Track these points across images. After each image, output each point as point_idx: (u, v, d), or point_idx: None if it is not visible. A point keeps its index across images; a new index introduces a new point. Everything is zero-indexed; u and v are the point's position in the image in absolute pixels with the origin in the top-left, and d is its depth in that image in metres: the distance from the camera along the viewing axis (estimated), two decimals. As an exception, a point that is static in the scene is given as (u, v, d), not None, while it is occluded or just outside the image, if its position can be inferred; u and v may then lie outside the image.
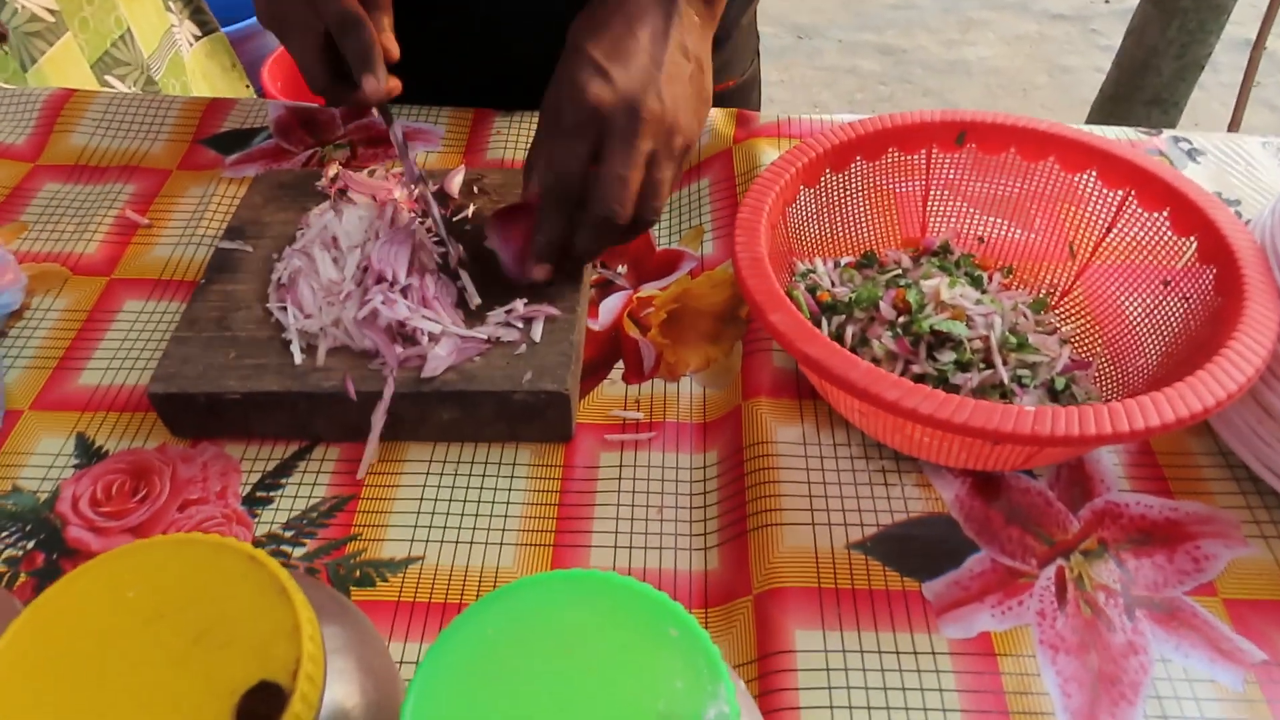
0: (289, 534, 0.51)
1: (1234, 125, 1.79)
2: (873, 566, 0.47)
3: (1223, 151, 0.71)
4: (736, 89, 0.92)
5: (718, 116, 0.75)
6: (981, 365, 0.51)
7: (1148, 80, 1.92)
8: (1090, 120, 2.14)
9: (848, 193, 0.58)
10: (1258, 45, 1.69)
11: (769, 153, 0.69)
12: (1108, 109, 2.05)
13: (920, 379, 0.51)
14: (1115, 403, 0.39)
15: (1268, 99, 2.67)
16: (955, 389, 0.50)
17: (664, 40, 0.54)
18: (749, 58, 0.94)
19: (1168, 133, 0.73)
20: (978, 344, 0.51)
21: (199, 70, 1.31)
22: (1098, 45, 2.94)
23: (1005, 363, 0.51)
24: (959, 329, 0.51)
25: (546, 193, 0.53)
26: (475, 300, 0.55)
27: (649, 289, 0.64)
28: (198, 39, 1.35)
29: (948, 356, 0.50)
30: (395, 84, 0.55)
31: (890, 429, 0.48)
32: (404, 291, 0.54)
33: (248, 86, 1.37)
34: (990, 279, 0.57)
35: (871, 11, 3.10)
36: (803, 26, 3.02)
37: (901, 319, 0.52)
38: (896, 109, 2.65)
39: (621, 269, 0.65)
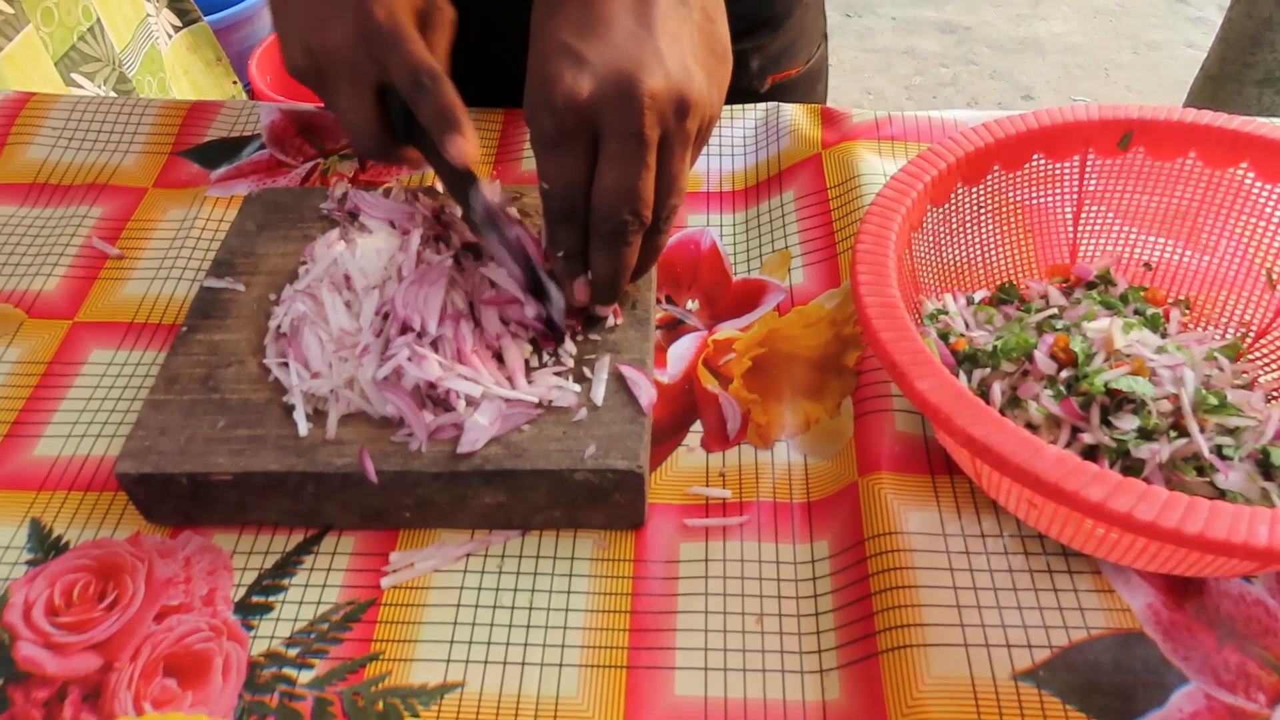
0: (293, 652, 0.44)
1: (1363, 108, 1.71)
2: (1049, 705, 0.40)
3: None
4: (801, 77, 0.86)
5: (799, 115, 0.69)
6: (1172, 433, 0.44)
7: (1260, 56, 1.84)
8: (1190, 104, 2.06)
9: (982, 211, 0.51)
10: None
11: (869, 159, 0.63)
12: (1210, 91, 1.96)
13: (1091, 451, 0.44)
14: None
15: (1387, 76, 2.57)
16: (1138, 464, 0.43)
17: None
18: (816, 40, 0.87)
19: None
20: (1165, 404, 0.44)
21: (179, 65, 1.26)
22: (1187, 18, 2.86)
23: (1202, 428, 0.44)
24: (1143, 387, 0.44)
25: (549, 215, 0.48)
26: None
27: (727, 329, 0.57)
28: (177, 30, 1.30)
29: (1129, 423, 0.43)
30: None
31: (1060, 518, 0.41)
32: (434, 344, 0.47)
33: (235, 83, 1.32)
34: (1167, 318, 0.50)
35: (928, -16, 3.03)
36: (851, 3, 2.95)
37: (1064, 373, 0.46)
38: (960, 94, 2.58)
39: (692, 304, 0.59)
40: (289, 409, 0.48)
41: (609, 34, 0.45)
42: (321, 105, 0.79)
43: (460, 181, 0.51)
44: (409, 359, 0.46)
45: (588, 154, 0.45)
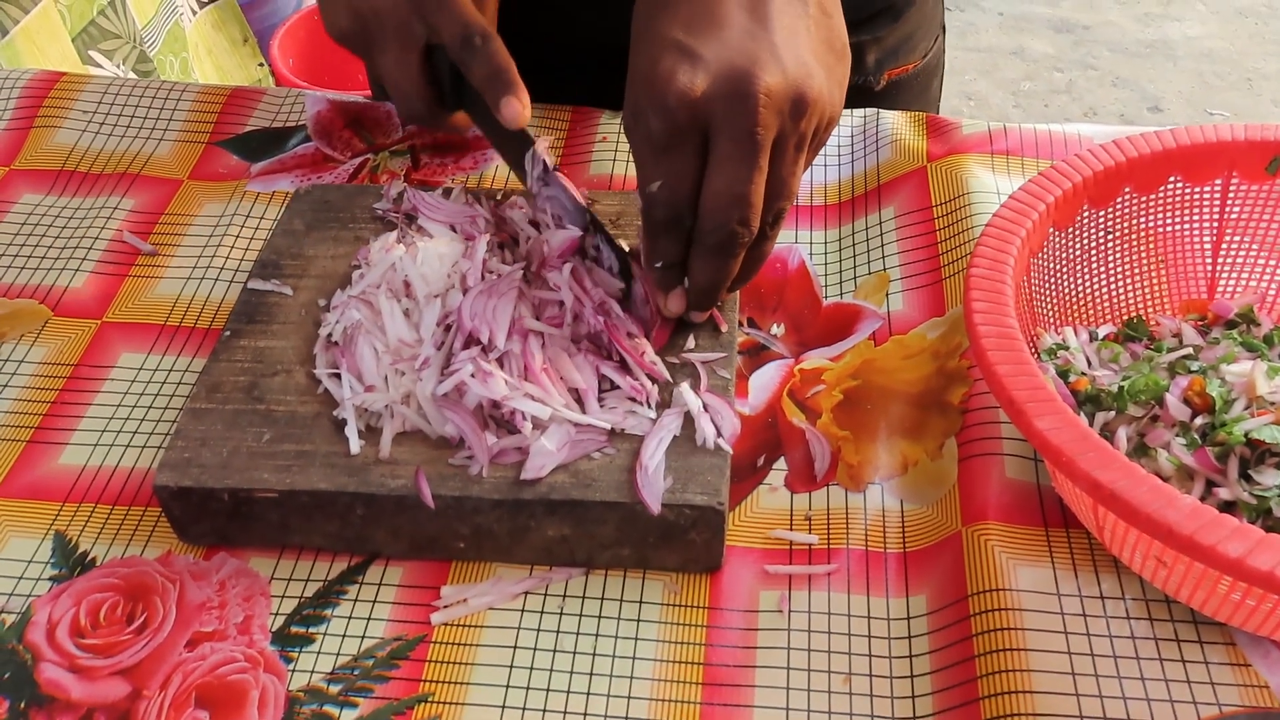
0: (335, 689, 0.47)
1: None
2: (1175, 789, 0.41)
3: None
4: (915, 75, 0.88)
5: (901, 123, 0.71)
6: (1320, 492, 0.45)
7: None
8: (1347, 123, 2.05)
9: (1110, 237, 0.54)
10: None
11: (980, 175, 0.65)
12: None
13: (1228, 508, 0.46)
14: None
15: None
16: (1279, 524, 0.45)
17: None
18: (934, 31, 0.89)
19: None
20: (1312, 460, 0.46)
21: (203, 44, 1.33)
22: (1347, 23, 2.85)
23: (1354, 490, 0.45)
24: (1288, 439, 0.45)
25: (651, 224, 0.51)
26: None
27: (815, 358, 0.59)
28: (202, 6, 1.37)
29: (1272, 478, 0.45)
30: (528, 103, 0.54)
31: (1192, 579, 0.43)
32: (500, 361, 0.51)
33: (261, 65, 1.39)
34: (1317, 363, 0.52)
35: (1042, -24, 3.06)
36: (952, -5, 2.98)
37: (1198, 420, 0.47)
38: (1076, 103, 2.59)
39: (777, 329, 0.61)
40: (340, 424, 0.51)
41: (722, 30, 0.48)
42: (369, 95, 0.84)
43: (515, 145, 0.55)
44: (472, 375, 0.50)
45: (698, 156, 0.48)
